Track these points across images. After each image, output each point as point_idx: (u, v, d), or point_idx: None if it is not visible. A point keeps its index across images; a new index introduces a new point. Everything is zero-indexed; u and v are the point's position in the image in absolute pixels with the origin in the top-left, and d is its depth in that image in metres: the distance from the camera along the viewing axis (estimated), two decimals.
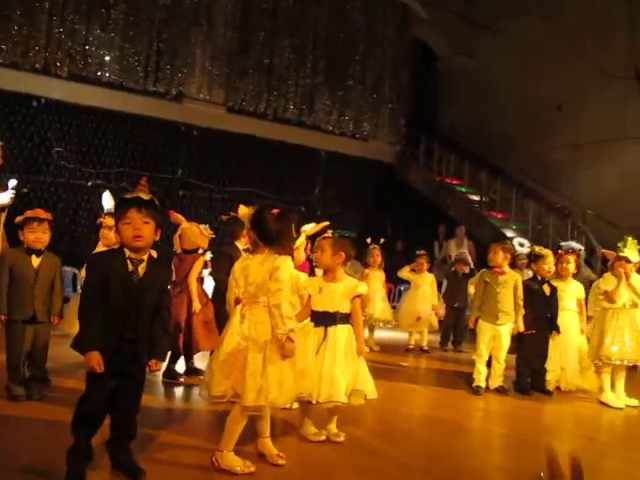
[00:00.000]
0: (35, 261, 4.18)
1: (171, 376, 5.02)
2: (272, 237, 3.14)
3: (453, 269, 8.41)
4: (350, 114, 12.28)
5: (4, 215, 5.43)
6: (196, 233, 5.06)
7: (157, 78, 10.38)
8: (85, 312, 2.83)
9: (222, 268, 5.28)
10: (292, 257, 3.32)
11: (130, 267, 2.83)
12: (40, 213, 4.22)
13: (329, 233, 3.84)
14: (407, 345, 7.93)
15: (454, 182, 12.73)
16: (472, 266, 8.33)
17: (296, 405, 4.16)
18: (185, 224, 5.10)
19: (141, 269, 2.85)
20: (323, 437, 3.72)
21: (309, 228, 4.39)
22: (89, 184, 9.89)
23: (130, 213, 2.82)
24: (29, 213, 4.23)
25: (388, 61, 12.58)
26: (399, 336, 8.46)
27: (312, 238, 4.32)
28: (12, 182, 5.44)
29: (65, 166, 9.84)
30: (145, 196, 2.90)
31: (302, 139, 11.76)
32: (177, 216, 5.11)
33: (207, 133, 10.94)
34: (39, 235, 4.17)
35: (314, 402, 3.56)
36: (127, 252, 2.84)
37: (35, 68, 9.59)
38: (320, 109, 11.95)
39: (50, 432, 3.53)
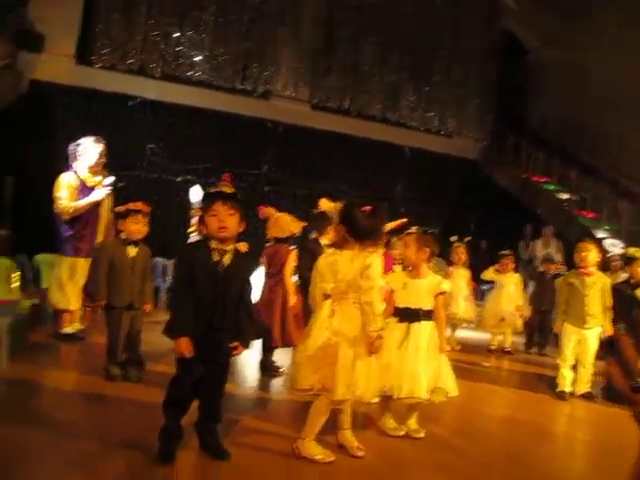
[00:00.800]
0: (132, 251, 4.45)
1: (267, 368, 5.15)
2: (363, 234, 3.16)
3: (540, 270, 8.16)
4: (435, 110, 12.13)
5: (105, 207, 5.73)
6: (288, 220, 5.17)
7: (245, 76, 10.67)
8: (175, 300, 3.02)
9: (305, 263, 5.41)
10: None
11: (216, 257, 2.96)
12: (142, 206, 4.49)
13: (413, 229, 3.85)
14: (489, 345, 7.79)
15: (542, 180, 12.29)
16: (560, 267, 8.04)
17: (377, 399, 4.22)
18: (277, 214, 5.22)
19: (226, 259, 2.98)
20: (402, 432, 3.75)
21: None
22: (178, 179, 10.32)
23: (216, 206, 2.96)
24: (132, 205, 4.49)
25: (475, 55, 12.31)
26: (481, 336, 8.32)
27: (389, 234, 4.34)
28: (109, 179, 5.72)
29: (157, 162, 10.32)
30: (229, 190, 3.02)
31: (386, 135, 11.73)
32: (267, 209, 5.23)
33: (292, 130, 11.13)
34: (141, 227, 4.44)
35: (395, 397, 3.60)
36: (213, 243, 2.98)
37: (131, 69, 10.10)
38: (405, 105, 11.87)
39: (143, 411, 3.74)
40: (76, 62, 10.01)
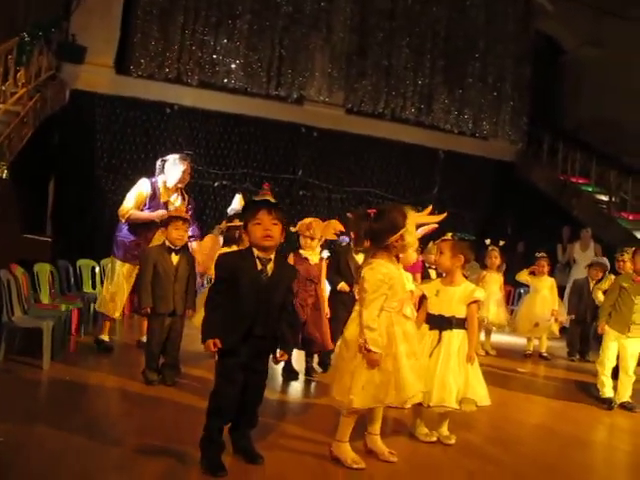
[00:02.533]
0: (175, 258, 4.57)
1: (310, 373, 5.24)
2: (369, 237, 3.19)
3: (585, 275, 7.84)
4: (469, 113, 12.01)
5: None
6: (322, 224, 5.18)
7: (279, 82, 10.77)
8: (210, 306, 3.04)
9: (335, 268, 5.49)
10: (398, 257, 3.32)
11: (259, 266, 3.00)
12: (184, 214, 4.61)
13: (448, 235, 3.83)
14: (525, 351, 7.69)
15: (580, 181, 12.07)
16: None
17: (409, 406, 4.25)
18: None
19: (269, 268, 3.01)
20: (434, 438, 3.76)
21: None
22: (215, 184, 10.49)
23: (260, 214, 2.99)
24: (173, 212, 4.62)
25: (509, 57, 12.16)
26: (517, 341, 8.23)
27: (423, 239, 4.34)
28: (193, 229, 5.55)
29: (194, 168, 10.46)
30: (273, 199, 3.08)
31: (420, 139, 11.69)
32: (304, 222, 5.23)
33: (327, 134, 11.18)
34: (182, 233, 4.56)
35: (425, 405, 3.61)
36: (256, 252, 3.01)
37: (168, 78, 10.30)
38: (439, 108, 11.80)
39: (180, 415, 3.86)
40: (115, 72, 10.27)
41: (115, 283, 5.55)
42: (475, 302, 3.72)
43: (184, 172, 5.62)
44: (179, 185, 5.64)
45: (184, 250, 4.66)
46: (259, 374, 3.09)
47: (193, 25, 10.31)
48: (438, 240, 3.90)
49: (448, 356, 3.64)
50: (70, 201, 9.39)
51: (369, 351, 3.07)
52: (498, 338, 8.03)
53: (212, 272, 4.24)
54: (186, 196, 5.77)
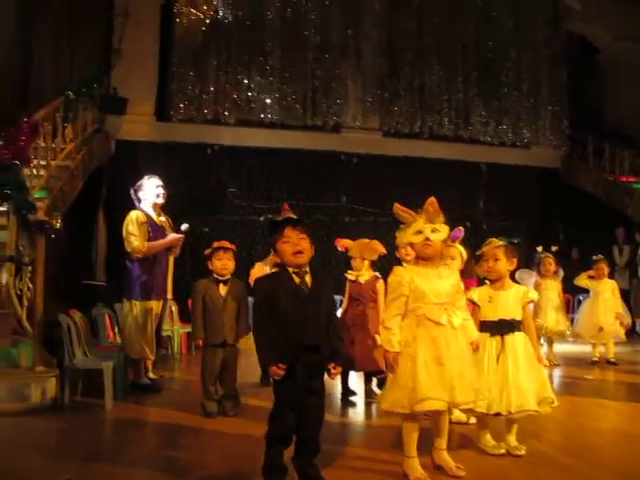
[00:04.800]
0: (223, 289, 4.63)
1: (370, 395, 5.18)
2: None
3: None
4: (508, 122, 11.84)
5: (172, 259, 5.76)
6: (376, 243, 5.15)
7: (314, 112, 10.90)
8: (260, 333, 3.02)
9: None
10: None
11: (297, 280, 3.00)
12: (225, 244, 4.68)
13: (500, 241, 3.76)
14: (591, 358, 7.41)
15: (630, 180, 11.70)
16: None
17: (473, 420, 4.14)
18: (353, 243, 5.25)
19: (308, 279, 3.02)
20: (503, 450, 3.64)
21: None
22: (261, 219, 10.61)
23: (287, 232, 3.02)
24: (215, 244, 4.71)
25: (543, 62, 11.98)
26: (582, 349, 7.94)
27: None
28: (184, 226, 5.74)
29: (239, 204, 10.67)
30: (294, 215, 3.15)
31: (460, 154, 11.59)
32: (344, 241, 5.26)
33: (366, 159, 11.22)
34: (225, 262, 4.62)
35: (505, 413, 3.51)
36: (291, 269, 3.01)
37: (207, 119, 10.58)
38: (476, 121, 11.68)
39: (241, 446, 3.84)
40: (157, 119, 10.61)
41: (141, 325, 5.42)
42: (530, 303, 3.71)
43: (157, 186, 5.66)
44: (160, 201, 5.66)
45: (233, 280, 4.71)
46: (316, 395, 3.02)
47: (227, 66, 10.58)
48: (486, 248, 3.82)
49: (516, 360, 3.56)
50: (120, 246, 9.62)
51: (386, 351, 3.20)
52: (561, 348, 7.78)
53: None
54: (167, 216, 5.82)
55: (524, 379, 3.52)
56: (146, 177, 5.72)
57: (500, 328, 3.63)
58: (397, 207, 3.33)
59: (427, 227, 3.25)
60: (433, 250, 3.27)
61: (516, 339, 3.61)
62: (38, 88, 10.03)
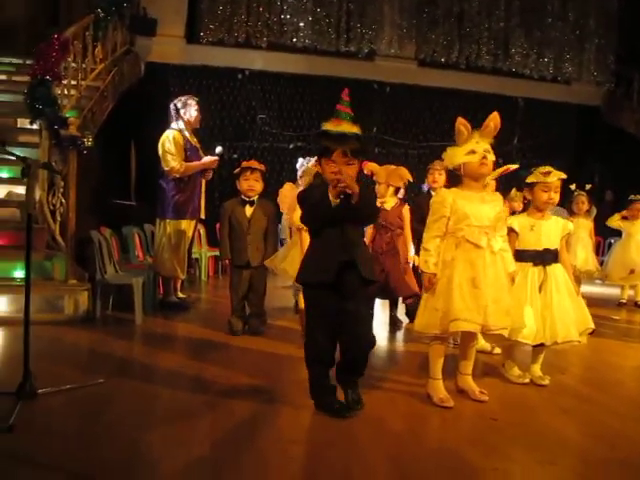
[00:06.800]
0: (249, 211, 4.62)
1: (395, 323, 5.26)
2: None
3: None
4: (550, 55, 11.30)
5: (204, 182, 5.83)
6: (404, 169, 5.11)
7: (349, 38, 10.55)
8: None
9: (417, 217, 5.38)
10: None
11: (333, 200, 2.78)
12: (253, 164, 4.64)
13: (558, 173, 3.64)
14: (619, 300, 7.34)
15: None
16: None
17: (498, 350, 4.16)
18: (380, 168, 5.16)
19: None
20: (527, 380, 3.68)
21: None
22: (290, 146, 10.50)
23: (335, 156, 2.80)
24: (244, 164, 4.66)
25: None
26: (610, 291, 7.86)
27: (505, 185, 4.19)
28: (218, 149, 5.83)
29: (268, 131, 10.55)
30: (349, 131, 2.85)
31: (498, 87, 11.17)
32: (370, 165, 5.16)
33: (400, 89, 10.91)
34: (252, 183, 4.59)
35: (551, 344, 3.51)
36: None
37: (238, 42, 10.30)
38: (516, 53, 11.18)
39: (264, 363, 3.93)
40: (187, 42, 10.39)
41: (174, 245, 5.52)
42: (567, 234, 3.67)
43: (198, 110, 5.69)
44: (197, 126, 5.73)
45: (260, 201, 4.67)
46: (352, 315, 2.84)
47: None
48: (551, 179, 3.65)
49: (560, 290, 3.53)
50: (150, 168, 9.65)
51: (422, 272, 3.21)
52: (588, 288, 7.68)
53: (294, 221, 4.25)
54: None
55: (569, 309, 3.51)
56: (188, 96, 5.76)
57: (544, 258, 3.58)
58: (460, 120, 3.25)
59: (480, 146, 3.18)
60: (488, 170, 3.23)
61: (557, 269, 3.58)
62: (68, 6, 9.85)
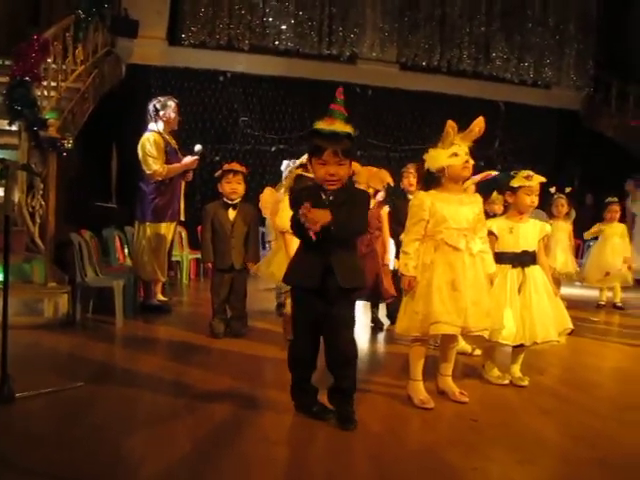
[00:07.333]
0: (232, 213, 4.61)
1: (377, 324, 5.30)
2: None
3: None
4: (530, 60, 11.42)
5: (183, 183, 5.80)
6: (385, 172, 5.09)
7: (331, 41, 10.57)
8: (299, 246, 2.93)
9: (397, 219, 5.40)
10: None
11: (324, 197, 2.77)
12: (235, 166, 4.62)
13: (539, 177, 3.71)
14: (598, 302, 7.42)
15: None
16: None
17: (478, 352, 4.19)
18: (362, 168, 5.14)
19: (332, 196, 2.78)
20: (507, 381, 3.71)
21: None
22: (272, 149, 10.49)
23: (326, 156, 2.74)
24: (226, 166, 4.65)
25: None
26: (589, 293, 7.95)
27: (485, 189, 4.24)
28: (197, 147, 5.80)
29: (250, 134, 10.52)
30: (341, 130, 2.77)
31: (479, 91, 11.26)
32: (353, 164, 5.12)
33: (382, 92, 10.96)
34: (234, 186, 4.57)
35: (530, 344, 3.55)
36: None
37: (220, 45, 10.28)
38: (497, 57, 11.30)
39: (245, 365, 3.93)
40: (168, 43, 10.34)
41: (154, 248, 5.49)
42: (544, 237, 3.74)
43: (177, 112, 5.67)
44: (175, 127, 5.70)
45: (242, 204, 4.67)
46: (335, 322, 2.78)
47: None
48: (533, 183, 3.69)
49: (539, 291, 3.58)
50: (131, 170, 9.58)
51: (402, 275, 3.23)
52: (568, 290, 7.77)
53: (277, 225, 4.25)
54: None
55: (547, 310, 3.55)
56: (167, 97, 5.72)
57: (522, 260, 3.63)
58: (450, 123, 3.25)
59: (462, 150, 3.21)
60: (469, 173, 3.27)
61: (535, 271, 3.63)
62: (50, 5, 9.76)
